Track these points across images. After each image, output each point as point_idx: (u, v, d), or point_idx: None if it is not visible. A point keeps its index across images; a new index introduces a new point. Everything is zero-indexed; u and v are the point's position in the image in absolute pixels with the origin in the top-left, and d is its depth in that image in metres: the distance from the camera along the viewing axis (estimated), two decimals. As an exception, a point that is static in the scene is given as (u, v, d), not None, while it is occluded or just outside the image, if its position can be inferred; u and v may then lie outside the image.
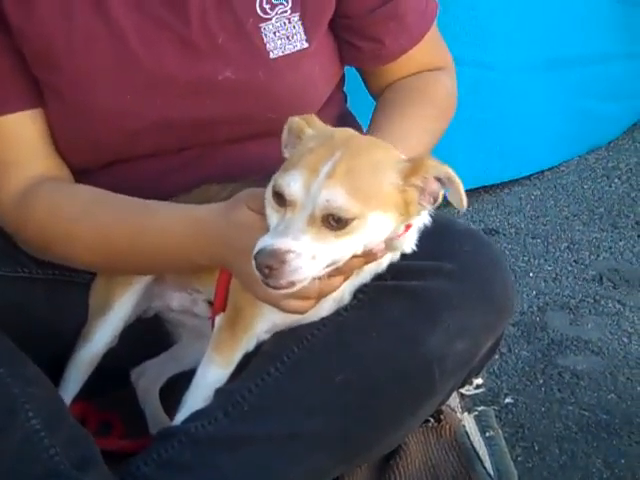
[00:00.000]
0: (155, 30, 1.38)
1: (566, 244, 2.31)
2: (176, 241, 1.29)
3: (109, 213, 1.36)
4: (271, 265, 1.09)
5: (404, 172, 1.15)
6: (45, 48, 1.36)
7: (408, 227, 1.21)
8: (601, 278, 2.16)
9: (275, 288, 1.12)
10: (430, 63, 1.57)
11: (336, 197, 1.10)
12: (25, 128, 1.40)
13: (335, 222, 1.11)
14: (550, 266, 2.22)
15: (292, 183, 1.11)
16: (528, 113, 2.53)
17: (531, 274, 2.19)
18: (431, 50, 1.57)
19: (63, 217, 1.37)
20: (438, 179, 1.15)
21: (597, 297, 2.09)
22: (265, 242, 1.10)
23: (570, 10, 2.59)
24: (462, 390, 1.66)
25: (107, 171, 1.44)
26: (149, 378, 1.56)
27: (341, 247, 1.12)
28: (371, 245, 1.16)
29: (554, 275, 2.18)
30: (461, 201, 1.16)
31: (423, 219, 1.24)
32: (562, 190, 2.54)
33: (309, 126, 1.20)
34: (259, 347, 1.36)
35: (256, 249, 1.10)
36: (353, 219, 1.11)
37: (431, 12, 1.57)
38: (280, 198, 1.13)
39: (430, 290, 1.30)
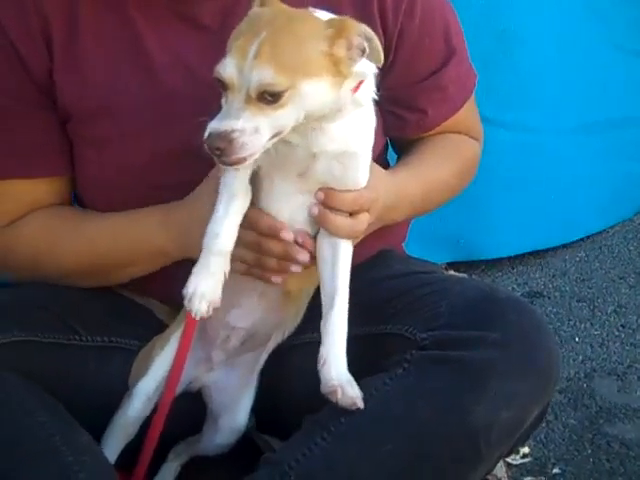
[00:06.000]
0: (188, 75, 1.44)
1: (613, 307, 2.29)
2: (148, 229, 1.39)
3: (93, 222, 1.48)
4: (220, 146, 1.19)
5: (328, 38, 1.23)
6: (101, 105, 1.43)
7: (360, 83, 1.28)
8: (649, 343, 2.14)
9: (228, 164, 1.23)
10: (463, 130, 1.62)
11: (265, 75, 1.19)
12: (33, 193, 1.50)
13: (270, 96, 1.20)
14: (596, 330, 2.20)
15: (226, 69, 1.22)
16: (573, 177, 2.53)
17: (577, 339, 2.17)
18: (466, 118, 1.62)
19: (51, 228, 1.49)
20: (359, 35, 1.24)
21: (646, 363, 2.07)
22: (212, 125, 1.21)
23: (611, 73, 2.60)
24: (509, 459, 1.65)
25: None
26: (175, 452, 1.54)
27: (281, 117, 1.22)
28: (315, 111, 1.24)
29: (600, 340, 2.16)
30: (379, 56, 1.24)
31: (371, 70, 1.29)
32: (608, 252, 2.52)
33: (261, 5, 1.29)
34: (305, 415, 1.38)
35: (206, 132, 1.21)
36: (285, 91, 1.20)
37: (471, 82, 1.63)
38: (222, 83, 1.23)
39: (475, 360, 1.31)
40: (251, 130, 1.20)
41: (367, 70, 1.29)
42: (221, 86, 1.23)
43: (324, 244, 1.35)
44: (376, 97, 1.33)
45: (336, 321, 1.32)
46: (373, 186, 1.36)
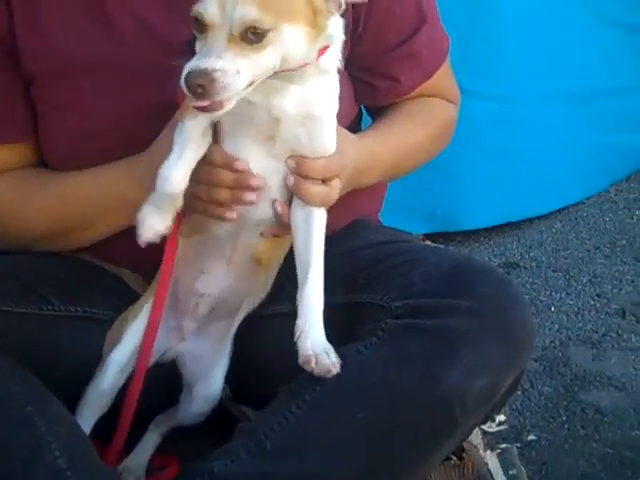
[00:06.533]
0: (149, 35, 1.42)
1: (588, 277, 2.30)
2: (114, 180, 1.40)
3: (60, 180, 1.48)
4: (202, 84, 1.18)
5: None
6: (62, 65, 1.43)
7: (325, 49, 1.28)
8: (624, 312, 2.16)
9: (207, 110, 1.21)
10: (438, 94, 1.62)
11: (249, 12, 1.19)
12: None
13: (253, 36, 1.19)
14: (572, 300, 2.22)
15: (207, 7, 1.20)
16: (550, 149, 2.54)
17: (553, 308, 2.19)
18: (440, 82, 1.62)
19: (18, 189, 1.48)
20: None
21: (620, 331, 2.09)
22: (192, 63, 1.19)
23: (589, 43, 2.60)
24: (484, 427, 1.66)
25: None
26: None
27: (261, 60, 1.21)
28: (290, 59, 1.24)
29: (576, 309, 2.18)
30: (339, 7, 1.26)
31: (339, 35, 1.30)
32: (583, 223, 2.54)
33: None
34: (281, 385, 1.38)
35: (185, 71, 1.19)
36: (269, 31, 1.20)
37: (444, 47, 1.62)
38: (200, 24, 1.21)
39: (449, 328, 1.31)
40: (233, 72, 1.19)
41: (336, 34, 1.29)
42: (199, 27, 1.21)
43: (298, 213, 1.35)
44: (340, 65, 1.32)
45: (312, 291, 1.31)
46: (342, 150, 1.35)
